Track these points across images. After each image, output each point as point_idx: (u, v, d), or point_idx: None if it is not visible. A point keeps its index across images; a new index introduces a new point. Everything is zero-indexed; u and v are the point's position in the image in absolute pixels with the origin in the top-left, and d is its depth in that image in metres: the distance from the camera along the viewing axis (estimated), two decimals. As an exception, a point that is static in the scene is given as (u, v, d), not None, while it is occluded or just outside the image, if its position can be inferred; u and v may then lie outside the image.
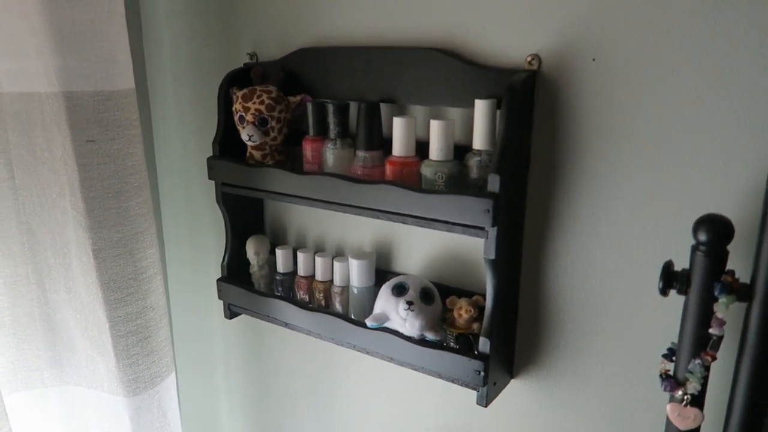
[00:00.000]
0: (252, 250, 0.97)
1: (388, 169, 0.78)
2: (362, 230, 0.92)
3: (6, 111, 0.85)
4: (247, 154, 0.90)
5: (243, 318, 1.04)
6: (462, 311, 0.77)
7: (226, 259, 0.98)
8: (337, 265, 0.90)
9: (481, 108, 0.71)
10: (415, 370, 0.79)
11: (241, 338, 1.13)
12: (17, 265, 0.90)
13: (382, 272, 0.89)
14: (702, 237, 0.57)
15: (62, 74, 0.78)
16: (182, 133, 1.08)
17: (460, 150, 0.75)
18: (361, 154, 0.80)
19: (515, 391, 0.82)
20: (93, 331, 0.89)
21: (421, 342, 0.78)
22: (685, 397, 0.60)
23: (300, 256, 0.94)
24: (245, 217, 1.00)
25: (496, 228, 0.68)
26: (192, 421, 1.23)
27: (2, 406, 0.81)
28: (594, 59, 0.67)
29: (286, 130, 0.88)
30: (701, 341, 0.59)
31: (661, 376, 0.63)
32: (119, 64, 0.82)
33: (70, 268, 0.88)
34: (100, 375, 0.91)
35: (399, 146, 0.77)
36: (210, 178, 0.93)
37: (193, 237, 1.14)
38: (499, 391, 0.79)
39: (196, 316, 1.18)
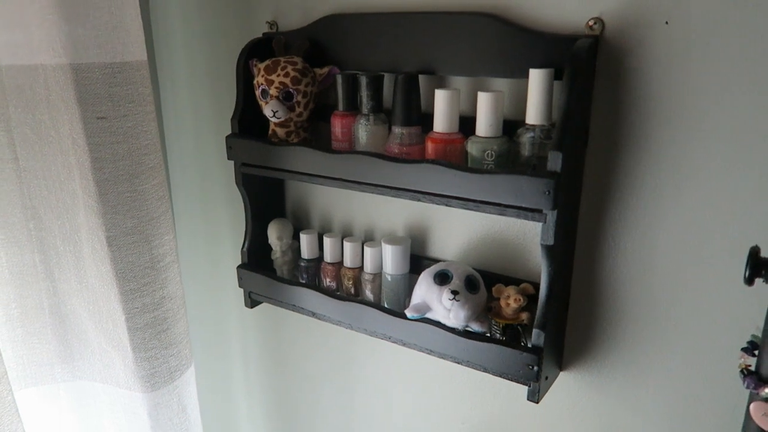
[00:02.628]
0: (274, 234, 0.91)
1: (429, 146, 0.71)
2: (393, 213, 0.85)
3: (7, 86, 0.77)
4: (270, 131, 0.83)
5: (260, 308, 0.98)
6: (510, 300, 0.71)
7: (246, 244, 0.91)
8: (368, 250, 0.83)
9: (536, 78, 0.64)
10: (458, 363, 0.73)
11: (260, 328, 1.07)
12: (24, 253, 0.83)
13: (415, 258, 0.83)
14: (798, 220, 0.51)
15: (69, 44, 0.70)
16: (195, 110, 1.01)
17: (509, 126, 0.68)
18: (397, 130, 0.74)
19: (564, 384, 0.77)
20: (107, 324, 0.83)
21: (466, 334, 0.72)
22: (772, 397, 0.55)
23: (327, 240, 0.87)
24: (265, 199, 0.93)
25: (555, 211, 0.62)
26: (209, 414, 1.17)
27: (14, 402, 0.75)
28: (667, 22, 0.60)
29: (313, 105, 0.81)
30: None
31: (742, 372, 0.58)
32: (130, 34, 0.75)
33: (81, 256, 0.81)
34: (115, 370, 0.86)
35: (441, 122, 0.70)
36: (229, 158, 0.86)
37: (208, 223, 1.07)
38: (550, 386, 0.74)
39: (211, 306, 1.12)
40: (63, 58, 0.71)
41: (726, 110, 0.60)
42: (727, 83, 0.59)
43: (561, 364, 0.76)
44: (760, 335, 0.56)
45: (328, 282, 0.89)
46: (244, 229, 0.93)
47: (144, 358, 0.84)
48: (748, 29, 0.57)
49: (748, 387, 0.57)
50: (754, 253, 0.55)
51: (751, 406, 0.56)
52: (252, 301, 0.94)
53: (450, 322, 0.72)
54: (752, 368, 0.57)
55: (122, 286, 0.79)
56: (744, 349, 0.59)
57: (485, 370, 0.72)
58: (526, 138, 0.66)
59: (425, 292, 0.74)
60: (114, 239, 0.78)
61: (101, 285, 0.80)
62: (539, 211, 0.62)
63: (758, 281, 0.55)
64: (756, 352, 0.58)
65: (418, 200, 0.70)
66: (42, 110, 0.77)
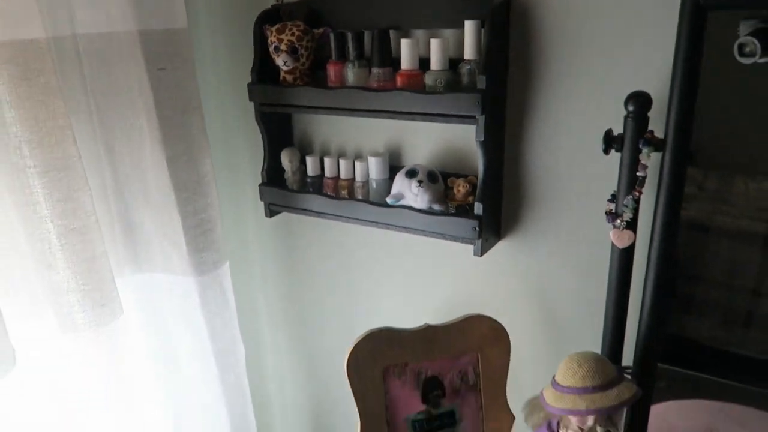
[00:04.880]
0: (286, 158, 1.20)
1: (399, 80, 1.00)
2: (376, 136, 1.15)
3: (83, 50, 1.04)
4: (281, 78, 1.12)
5: (275, 219, 1.28)
6: (460, 187, 1.01)
7: (264, 167, 1.20)
8: (358, 164, 1.13)
9: (470, 27, 0.93)
10: (426, 235, 1.03)
11: (275, 234, 1.37)
12: (102, 177, 1.11)
13: (394, 168, 1.12)
14: (630, 107, 0.81)
15: (136, 15, 0.98)
16: (215, 65, 1.28)
17: (453, 62, 0.98)
18: (375, 71, 1.02)
19: (502, 248, 1.07)
20: (167, 228, 1.11)
21: (430, 212, 1.02)
22: (622, 224, 0.85)
23: (326, 161, 1.16)
24: (277, 133, 1.22)
25: (484, 116, 0.91)
26: (238, 300, 1.46)
27: (115, 287, 1.02)
28: (553, -15, 0.90)
29: (312, 57, 1.10)
30: (632, 183, 0.84)
31: (606, 213, 0.88)
32: (175, 4, 1.02)
33: (145, 177, 1.09)
34: (173, 261, 1.14)
35: (406, 62, 0.99)
36: (250, 100, 1.15)
37: (230, 154, 1.35)
38: (490, 247, 1.04)
39: (236, 219, 1.40)
40: (132, 26, 0.99)
41: (597, 42, 0.89)
42: (595, 26, 0.88)
43: (500, 234, 1.07)
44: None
45: (329, 192, 1.18)
46: (260, 158, 1.21)
47: (195, 251, 1.12)
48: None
49: (609, 222, 0.87)
50: (608, 132, 0.85)
51: (610, 233, 0.87)
52: (271, 212, 1.23)
53: (418, 204, 1.02)
54: (613, 210, 0.88)
55: (179, 195, 1.08)
56: (609, 200, 0.89)
57: (444, 237, 1.02)
58: (464, 69, 0.96)
59: (400, 184, 1.03)
60: (171, 160, 1.06)
61: (161, 196, 1.08)
62: (473, 117, 0.92)
63: (612, 153, 0.85)
64: (615, 201, 0.88)
65: (392, 119, 1.00)
66: (115, 67, 1.04)
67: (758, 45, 0.65)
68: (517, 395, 0.96)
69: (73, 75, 1.01)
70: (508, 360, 1.00)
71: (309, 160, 1.18)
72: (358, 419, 0.96)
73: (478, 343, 0.99)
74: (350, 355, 0.94)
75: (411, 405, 0.98)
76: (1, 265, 0.93)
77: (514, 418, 1.01)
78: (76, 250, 0.91)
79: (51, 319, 0.96)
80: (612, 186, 0.88)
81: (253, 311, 1.48)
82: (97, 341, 0.97)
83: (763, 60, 0.66)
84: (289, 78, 1.10)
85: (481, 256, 1.00)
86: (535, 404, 0.90)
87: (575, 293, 1.03)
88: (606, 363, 0.85)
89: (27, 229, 0.89)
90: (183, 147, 1.07)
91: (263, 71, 1.13)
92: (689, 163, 0.82)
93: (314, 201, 1.15)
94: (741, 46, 0.66)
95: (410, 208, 1.03)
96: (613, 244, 0.88)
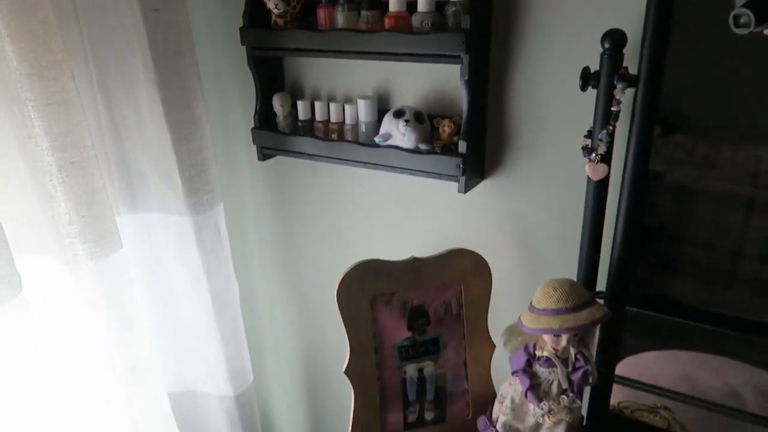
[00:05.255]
0: (278, 103, 1.23)
1: (387, 22, 1.03)
2: (365, 79, 1.18)
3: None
4: (272, 22, 1.14)
5: (267, 164, 1.32)
6: (445, 127, 1.06)
7: (256, 111, 1.24)
8: (347, 107, 1.16)
9: (455, -32, 0.96)
10: (412, 174, 1.08)
11: (267, 178, 1.41)
12: (98, 118, 1.14)
13: (383, 111, 1.15)
14: (606, 44, 0.85)
15: (130, -44, 1.00)
16: (208, 9, 1.29)
17: (440, 4, 1.01)
18: (364, 13, 1.05)
19: (485, 187, 1.12)
20: (163, 168, 1.15)
21: (417, 151, 1.06)
22: (597, 157, 0.90)
23: (317, 104, 1.20)
24: (269, 77, 1.25)
25: (468, 55, 0.95)
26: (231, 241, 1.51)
27: (114, 221, 1.06)
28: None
29: (303, 1, 1.12)
30: (607, 118, 0.88)
31: (582, 148, 0.93)
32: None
33: (141, 118, 1.12)
34: (169, 201, 1.18)
35: (394, 4, 1.02)
36: (242, 44, 1.17)
37: (221, 99, 1.37)
38: (474, 186, 1.09)
39: (229, 163, 1.44)
40: (126, -33, 1.01)
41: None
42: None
43: (483, 174, 1.11)
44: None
45: (319, 135, 1.21)
46: (252, 103, 1.24)
47: (190, 191, 1.16)
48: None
49: (584, 156, 0.92)
50: (585, 69, 0.89)
51: (586, 166, 0.92)
52: (263, 156, 1.27)
53: (405, 144, 1.06)
54: (589, 145, 0.92)
55: (174, 135, 1.11)
56: (585, 136, 0.94)
57: (429, 175, 1.06)
58: (450, 11, 0.99)
59: (388, 124, 1.07)
60: (167, 101, 1.09)
61: (158, 136, 1.12)
62: (458, 56, 0.96)
63: (589, 90, 0.90)
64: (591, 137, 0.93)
65: (381, 60, 1.03)
66: (109, 7, 1.06)
67: (752, 17, 0.69)
68: (497, 325, 1.01)
69: (67, 15, 1.03)
70: (490, 292, 1.06)
71: (300, 104, 1.22)
72: (348, 346, 1.02)
73: (461, 275, 1.04)
74: (340, 284, 1.00)
75: (397, 332, 1.04)
76: (6, 199, 0.97)
77: (494, 346, 1.07)
78: (76, 183, 0.95)
79: (53, 251, 1.01)
80: (590, 125, 0.92)
81: (246, 254, 1.53)
82: (96, 273, 1.02)
83: (757, 30, 0.70)
84: (280, 21, 1.13)
85: (465, 193, 1.05)
86: (513, 330, 0.96)
87: (554, 229, 1.08)
88: (579, 287, 0.91)
89: (28, 162, 0.93)
90: (177, 88, 1.10)
91: (255, 15, 1.16)
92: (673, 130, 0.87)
93: (305, 143, 1.19)
94: (736, 18, 0.69)
95: (397, 147, 1.07)
96: (588, 178, 0.93)
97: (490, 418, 1.02)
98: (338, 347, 1.03)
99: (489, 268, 1.05)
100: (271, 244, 1.49)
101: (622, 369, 1.05)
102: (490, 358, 1.08)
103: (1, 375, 0.91)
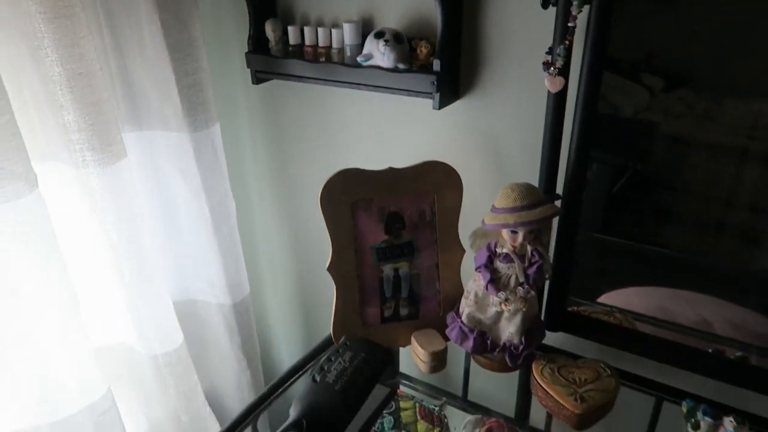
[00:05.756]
0: (270, 28, 1.31)
1: (368, -53, 1.11)
2: (350, 4, 1.26)
3: None
4: (263, -51, 1.22)
5: (261, 88, 1.41)
6: (422, 48, 1.14)
7: (250, 35, 1.32)
8: (333, 32, 1.24)
9: None
10: (392, 93, 1.17)
11: (261, 100, 1.50)
12: (101, 35, 1.22)
13: (367, 35, 1.23)
14: (564, -36, 0.93)
15: None
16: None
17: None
18: (348, -61, 1.13)
19: (460, 106, 1.21)
20: (163, 86, 1.24)
21: (396, 70, 1.15)
22: (555, 70, 0.99)
23: (306, 30, 1.28)
24: (261, 4, 1.32)
25: (441, -24, 1.03)
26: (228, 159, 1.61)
27: (119, 131, 1.16)
28: None
29: (292, -72, 1.19)
30: (564, 33, 0.96)
31: (543, 64, 1.01)
32: None
33: (142, 37, 1.21)
34: (168, 119, 1.28)
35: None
36: (236, -29, 1.25)
37: (217, 24, 1.45)
38: (449, 104, 1.18)
39: (223, 86, 1.52)
40: None
41: None
42: None
43: (458, 94, 1.20)
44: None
45: (309, 59, 1.30)
46: (246, 30, 1.33)
47: (188, 109, 1.26)
48: None
49: (544, 70, 1.00)
50: (546, -12, 0.97)
51: (545, 80, 1.00)
52: (257, 79, 1.36)
53: (385, 63, 1.15)
54: (549, 61, 1.00)
55: (173, 55, 1.20)
56: (546, 53, 1.02)
57: (408, 93, 1.15)
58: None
59: (369, 45, 1.16)
60: (165, 22, 1.17)
61: (157, 56, 1.21)
62: (433, -23, 1.03)
63: (551, 8, 0.97)
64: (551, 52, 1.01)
65: (362, -18, 1.11)
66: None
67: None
68: (467, 232, 1.11)
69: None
70: (461, 201, 1.16)
71: (290, 29, 1.30)
72: (330, 246, 1.13)
73: (434, 185, 1.14)
74: (324, 189, 1.10)
75: (375, 235, 1.14)
76: (20, 107, 1.06)
77: (464, 251, 1.18)
78: (83, 93, 1.05)
79: (64, 158, 1.11)
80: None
81: (243, 174, 1.64)
82: (103, 178, 1.12)
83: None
84: (270, -52, 1.20)
85: (439, 109, 1.14)
86: (478, 233, 1.07)
87: (520, 141, 1.17)
88: (535, 189, 1.00)
89: (39, 72, 1.02)
90: (175, 11, 1.18)
91: (247, -57, 1.23)
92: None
93: (295, 66, 1.27)
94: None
95: (378, 67, 1.16)
96: (549, 91, 1.01)
97: (457, 312, 1.13)
98: (325, 254, 1.14)
99: (460, 179, 1.14)
100: (266, 164, 1.60)
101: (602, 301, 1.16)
102: (460, 262, 1.18)
103: (19, 264, 1.02)
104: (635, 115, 1.06)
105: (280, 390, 1.13)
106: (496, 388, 1.35)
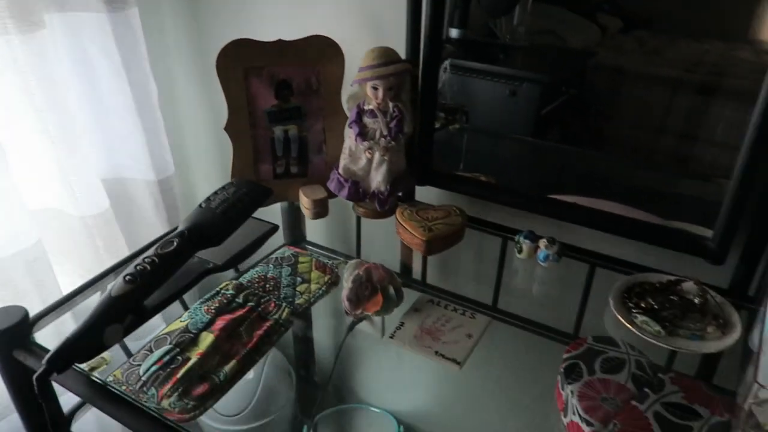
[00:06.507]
0: None
1: None
2: None
3: None
4: None
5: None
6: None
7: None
8: None
9: None
10: None
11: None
12: None
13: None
14: None
15: None
16: None
17: None
18: None
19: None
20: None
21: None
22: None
23: None
24: None
25: None
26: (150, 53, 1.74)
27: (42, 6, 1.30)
28: None
29: None
30: None
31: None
32: None
33: None
34: (89, 0, 1.41)
35: None
36: None
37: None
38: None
39: None
40: None
41: None
42: None
43: None
44: None
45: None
46: None
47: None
48: None
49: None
50: None
51: None
52: (171, -32, 1.50)
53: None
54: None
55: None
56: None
57: None
58: None
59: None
60: None
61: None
62: None
63: None
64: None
65: None
66: None
67: None
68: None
69: None
70: (343, 72, 1.32)
71: None
72: (227, 108, 1.30)
73: (318, 56, 1.31)
74: (219, 55, 1.26)
75: (267, 100, 1.31)
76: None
77: (347, 118, 1.36)
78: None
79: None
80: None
81: (166, 57, 1.78)
82: (26, 46, 1.27)
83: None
84: None
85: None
86: (351, 95, 1.25)
87: (395, 18, 1.33)
88: (392, 51, 1.18)
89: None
90: None
91: None
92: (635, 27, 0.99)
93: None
94: None
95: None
96: None
97: (337, 168, 1.32)
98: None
99: (342, 51, 1.31)
100: (188, 49, 1.73)
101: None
102: (343, 128, 1.36)
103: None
104: (584, 49, 1.11)
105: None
106: (383, 249, 1.56)
